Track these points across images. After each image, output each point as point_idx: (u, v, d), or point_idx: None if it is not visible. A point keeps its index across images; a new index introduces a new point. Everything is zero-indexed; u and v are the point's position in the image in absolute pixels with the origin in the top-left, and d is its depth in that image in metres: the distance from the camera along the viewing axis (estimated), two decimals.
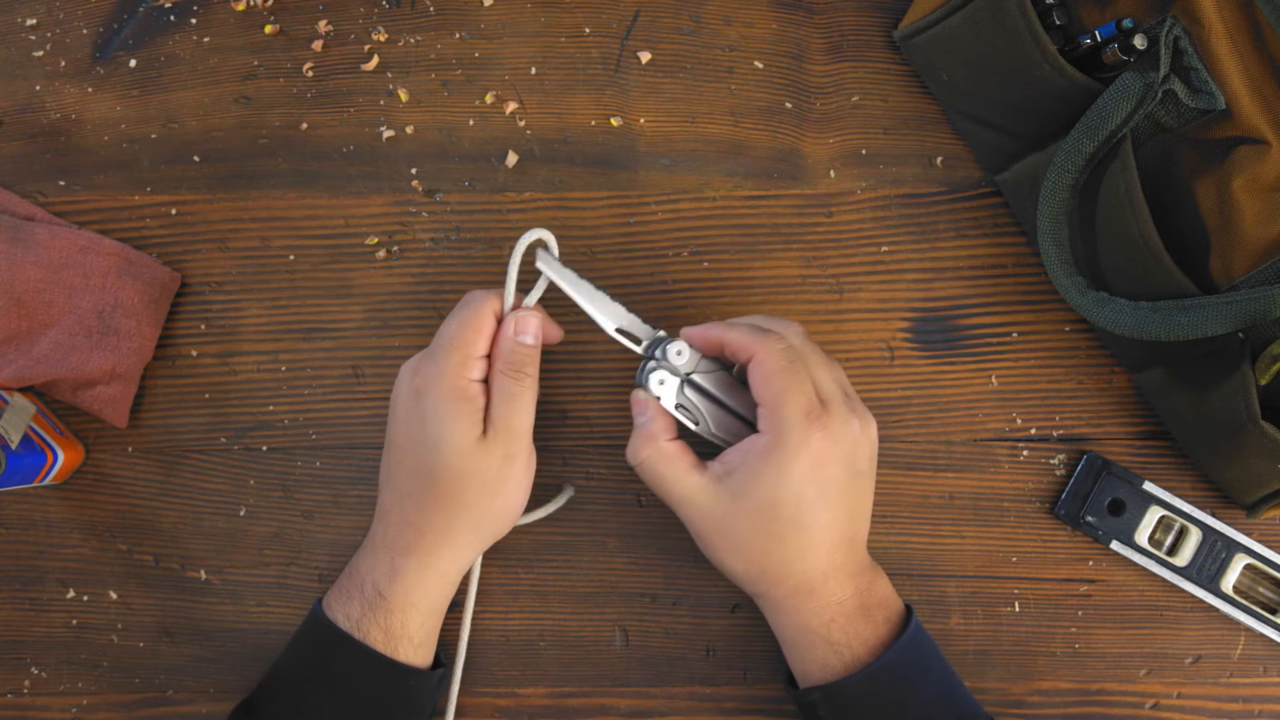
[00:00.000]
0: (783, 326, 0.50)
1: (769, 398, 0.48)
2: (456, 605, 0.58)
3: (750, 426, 0.52)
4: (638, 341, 0.52)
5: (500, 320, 0.51)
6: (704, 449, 0.52)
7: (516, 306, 0.52)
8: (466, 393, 0.49)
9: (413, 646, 0.51)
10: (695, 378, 0.52)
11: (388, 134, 0.59)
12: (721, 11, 0.59)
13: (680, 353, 0.51)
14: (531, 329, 0.51)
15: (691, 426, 0.52)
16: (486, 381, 0.51)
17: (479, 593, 0.58)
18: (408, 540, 0.50)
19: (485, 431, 0.49)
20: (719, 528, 0.49)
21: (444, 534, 0.50)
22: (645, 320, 0.52)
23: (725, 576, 0.52)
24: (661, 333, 0.52)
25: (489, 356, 0.51)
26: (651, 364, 0.52)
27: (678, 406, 0.52)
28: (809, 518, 0.48)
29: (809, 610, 0.50)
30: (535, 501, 0.55)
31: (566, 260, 0.55)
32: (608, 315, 0.52)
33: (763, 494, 0.48)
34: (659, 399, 0.51)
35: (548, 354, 0.56)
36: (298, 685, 0.51)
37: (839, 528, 0.49)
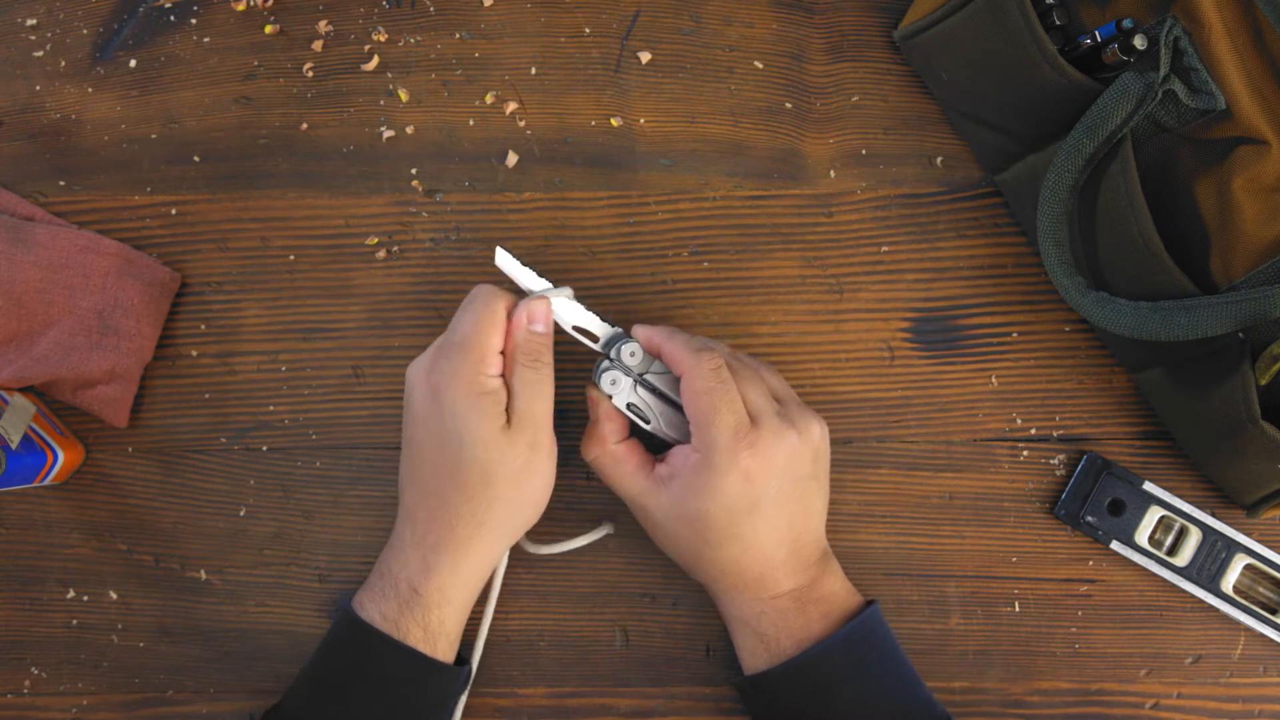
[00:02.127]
0: (713, 344, 0.52)
1: (697, 417, 0.49)
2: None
3: None
4: (595, 339, 0.53)
5: (510, 314, 0.51)
6: (655, 443, 0.53)
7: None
8: (486, 387, 0.49)
9: (449, 643, 0.52)
10: (649, 377, 0.52)
11: (388, 134, 0.59)
12: (721, 11, 0.59)
13: (634, 353, 0.52)
14: (541, 316, 0.51)
15: (643, 425, 0.52)
16: (503, 376, 0.51)
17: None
18: (438, 536, 0.50)
19: (509, 423, 0.50)
20: (659, 527, 0.52)
21: (475, 527, 0.50)
22: (604, 319, 0.52)
23: None
24: (618, 330, 0.53)
25: (503, 352, 0.51)
26: (606, 363, 0.52)
27: (628, 406, 0.52)
28: (742, 528, 0.50)
29: (741, 602, 0.52)
30: (554, 518, 0.55)
31: (565, 262, 0.55)
32: (565, 313, 0.52)
33: (695, 507, 0.49)
34: (610, 398, 0.52)
35: None
36: (334, 689, 0.51)
37: (777, 534, 0.51)
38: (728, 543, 0.50)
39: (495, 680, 0.58)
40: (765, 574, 0.51)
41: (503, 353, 0.51)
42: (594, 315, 0.52)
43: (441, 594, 0.51)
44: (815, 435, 0.52)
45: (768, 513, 0.50)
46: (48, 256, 0.56)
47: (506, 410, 0.50)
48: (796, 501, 0.51)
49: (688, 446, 0.50)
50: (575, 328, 0.52)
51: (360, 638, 0.50)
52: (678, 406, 0.52)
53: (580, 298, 0.53)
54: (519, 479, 0.50)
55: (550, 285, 0.52)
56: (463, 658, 0.55)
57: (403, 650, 0.50)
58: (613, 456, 0.52)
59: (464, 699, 0.56)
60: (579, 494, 0.59)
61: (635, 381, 0.52)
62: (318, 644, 0.53)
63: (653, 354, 0.52)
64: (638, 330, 0.52)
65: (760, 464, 0.49)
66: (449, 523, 0.50)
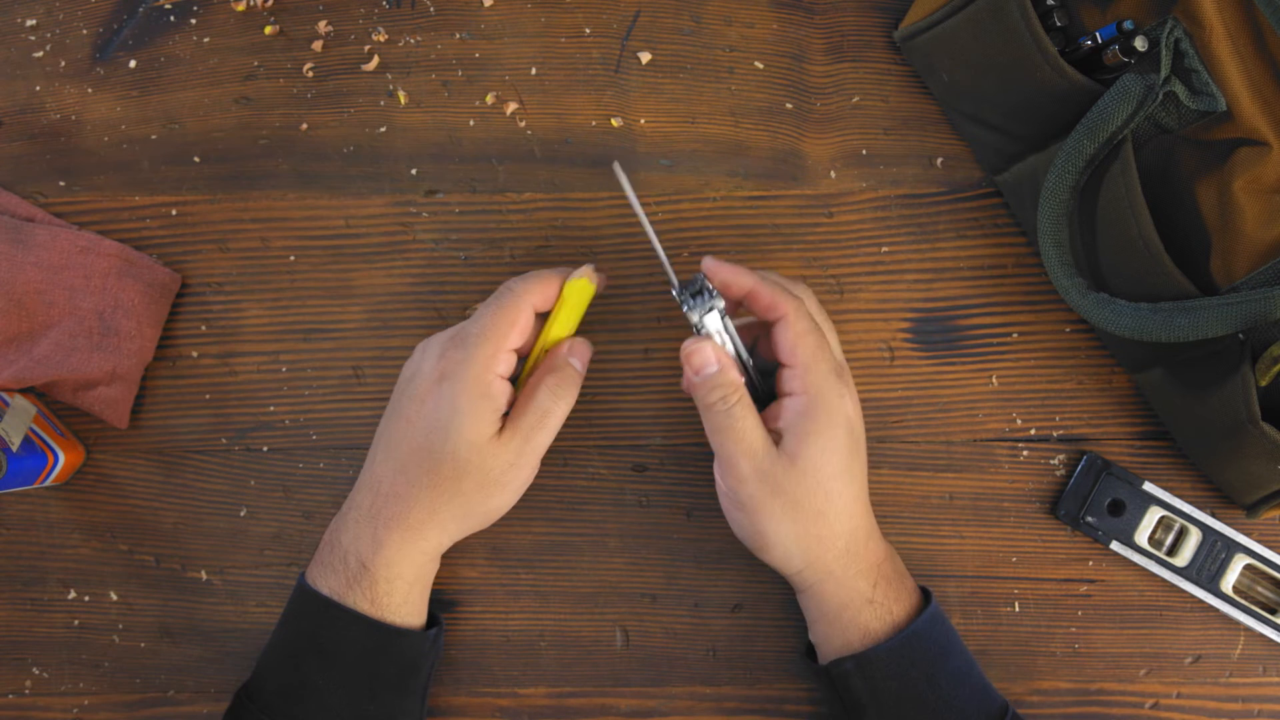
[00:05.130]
0: (800, 289, 0.52)
1: (803, 358, 0.48)
2: (457, 605, 0.58)
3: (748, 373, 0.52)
4: (672, 281, 0.50)
5: (537, 314, 0.51)
6: None
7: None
8: (490, 389, 0.49)
9: (399, 616, 0.52)
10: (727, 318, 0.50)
11: (388, 134, 0.59)
12: (722, 12, 0.59)
13: (715, 292, 0.49)
14: (581, 356, 0.51)
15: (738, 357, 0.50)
16: (512, 380, 0.51)
17: (479, 593, 0.58)
18: (393, 513, 0.50)
19: (502, 431, 0.50)
20: (779, 489, 0.49)
21: (430, 514, 0.50)
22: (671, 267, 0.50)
23: (765, 556, 0.51)
24: (695, 278, 0.49)
25: (518, 351, 0.51)
26: (710, 301, 0.49)
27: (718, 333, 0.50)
28: (850, 474, 0.50)
29: (857, 572, 0.51)
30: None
31: (565, 262, 0.55)
32: (653, 237, 0.48)
33: (812, 454, 0.48)
34: (722, 345, 0.49)
35: None
36: (291, 659, 0.51)
37: (864, 486, 0.52)
38: (840, 490, 0.49)
39: (495, 680, 0.58)
40: (869, 534, 0.51)
41: (518, 351, 0.51)
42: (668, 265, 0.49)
43: (390, 569, 0.51)
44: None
45: (861, 460, 0.51)
46: (48, 257, 0.56)
47: (505, 415, 0.50)
48: (862, 462, 0.52)
49: (789, 400, 0.49)
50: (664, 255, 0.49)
51: (311, 608, 0.51)
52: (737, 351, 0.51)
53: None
54: (488, 488, 0.50)
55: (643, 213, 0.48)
56: (434, 617, 0.55)
57: (350, 616, 0.50)
58: (747, 403, 0.49)
59: (434, 663, 0.55)
60: (579, 494, 0.59)
61: (724, 323, 0.49)
62: (279, 617, 0.53)
63: (731, 295, 0.49)
64: (711, 267, 0.49)
65: (853, 407, 0.50)
66: (408, 503, 0.50)
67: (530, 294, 0.50)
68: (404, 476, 0.50)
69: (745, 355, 0.51)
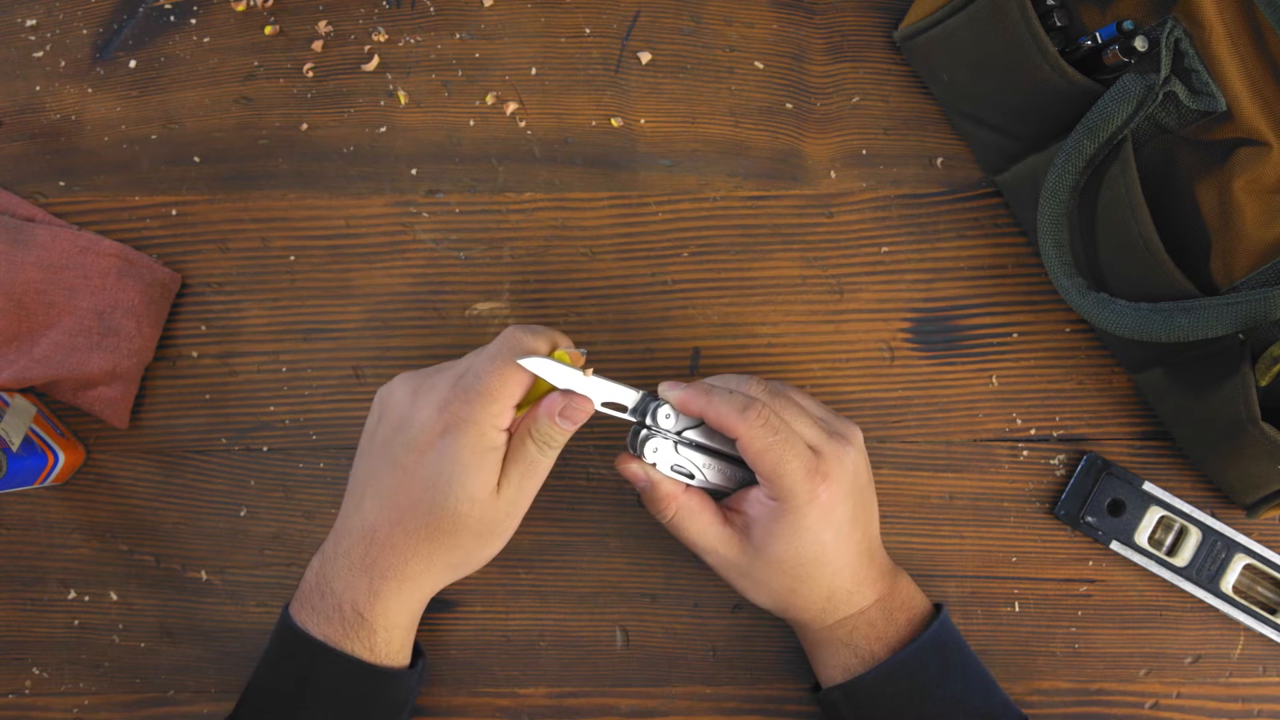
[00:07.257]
0: (745, 385, 0.51)
1: (766, 472, 0.49)
2: (457, 605, 0.58)
3: (747, 468, 0.52)
4: (623, 409, 0.51)
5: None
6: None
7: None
8: (494, 442, 0.48)
9: (395, 660, 0.52)
10: (687, 434, 0.52)
11: (388, 134, 0.59)
12: (722, 12, 0.59)
13: (668, 415, 0.51)
14: (575, 418, 0.49)
15: (688, 483, 0.52)
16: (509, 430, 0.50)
17: (479, 593, 0.58)
18: (389, 564, 0.50)
19: (498, 482, 0.49)
20: (745, 574, 0.52)
21: (427, 564, 0.50)
22: (628, 385, 0.50)
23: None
24: (645, 393, 0.51)
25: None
26: (644, 431, 0.51)
27: (672, 467, 0.51)
28: (830, 554, 0.50)
29: (835, 624, 0.52)
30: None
31: (565, 262, 0.55)
32: (592, 394, 0.49)
33: (782, 550, 0.50)
34: (654, 465, 0.51)
35: None
36: (282, 702, 0.51)
37: (858, 548, 0.51)
38: (818, 573, 0.50)
39: (495, 680, 0.58)
40: (854, 591, 0.51)
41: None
42: (620, 385, 0.50)
43: (387, 618, 0.50)
44: (860, 440, 0.52)
45: (848, 531, 0.50)
46: (48, 257, 0.56)
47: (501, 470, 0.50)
48: (864, 510, 0.52)
49: (759, 493, 0.50)
50: (604, 404, 0.50)
51: (306, 652, 0.50)
52: (722, 455, 0.52)
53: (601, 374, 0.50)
54: (485, 538, 0.50)
55: (581, 375, 0.49)
56: (419, 650, 0.55)
57: (350, 663, 0.50)
58: (689, 510, 0.51)
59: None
60: (579, 494, 0.59)
61: (675, 443, 0.51)
62: (261, 655, 0.52)
63: (692, 416, 0.51)
64: (670, 395, 0.51)
65: (835, 491, 0.49)
66: (404, 555, 0.50)
67: (536, 350, 0.49)
68: (401, 529, 0.49)
69: (700, 465, 0.52)
